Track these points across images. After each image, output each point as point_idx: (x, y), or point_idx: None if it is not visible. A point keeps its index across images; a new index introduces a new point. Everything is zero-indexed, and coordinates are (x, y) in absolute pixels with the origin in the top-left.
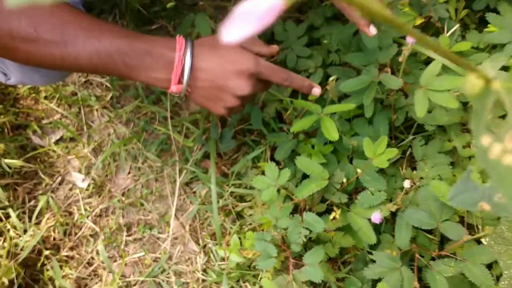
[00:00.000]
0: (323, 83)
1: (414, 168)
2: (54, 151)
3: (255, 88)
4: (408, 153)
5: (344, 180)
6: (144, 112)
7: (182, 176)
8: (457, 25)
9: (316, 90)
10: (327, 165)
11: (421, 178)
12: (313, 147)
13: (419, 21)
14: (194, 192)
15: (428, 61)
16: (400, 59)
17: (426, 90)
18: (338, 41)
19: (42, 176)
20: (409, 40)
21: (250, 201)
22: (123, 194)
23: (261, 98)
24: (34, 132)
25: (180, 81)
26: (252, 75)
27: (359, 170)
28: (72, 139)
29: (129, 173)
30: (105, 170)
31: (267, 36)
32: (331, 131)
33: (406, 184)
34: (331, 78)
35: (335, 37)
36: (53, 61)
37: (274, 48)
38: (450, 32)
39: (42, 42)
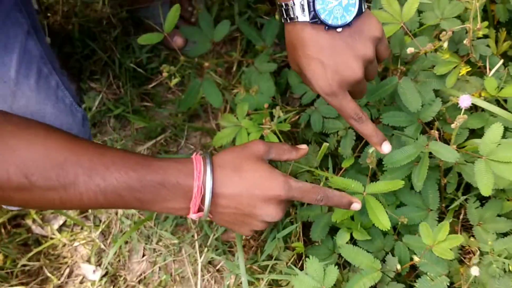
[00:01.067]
0: (355, 142)
1: (468, 228)
2: (58, 239)
3: (285, 210)
4: (462, 214)
5: (398, 266)
6: None
7: (203, 255)
8: (501, 61)
9: (356, 206)
10: (371, 242)
11: (482, 251)
12: (352, 218)
13: (464, 69)
14: (219, 270)
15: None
16: (453, 125)
17: (488, 160)
18: (368, 94)
19: (48, 274)
20: (464, 103)
21: (285, 285)
22: (139, 282)
23: (289, 170)
24: (34, 221)
25: (200, 209)
26: (282, 201)
27: (416, 258)
28: (77, 223)
29: (143, 255)
30: (117, 255)
31: (282, 87)
32: (380, 217)
33: (475, 271)
34: (370, 150)
35: None
36: (53, 205)
37: (303, 150)
38: (493, 70)
39: (37, 190)
